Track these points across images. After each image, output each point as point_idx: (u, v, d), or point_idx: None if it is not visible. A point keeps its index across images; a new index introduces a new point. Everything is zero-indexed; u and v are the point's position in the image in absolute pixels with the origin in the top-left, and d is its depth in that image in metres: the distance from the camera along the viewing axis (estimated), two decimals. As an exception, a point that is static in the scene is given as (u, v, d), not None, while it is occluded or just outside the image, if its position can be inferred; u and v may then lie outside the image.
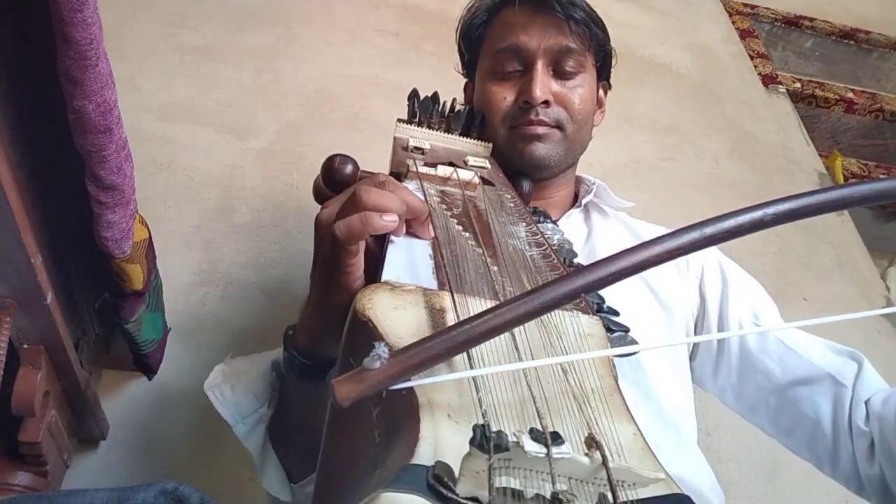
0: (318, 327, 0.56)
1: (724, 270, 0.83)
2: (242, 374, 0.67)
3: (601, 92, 0.86)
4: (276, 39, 1.47)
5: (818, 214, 0.36)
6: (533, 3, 0.77)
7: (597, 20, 0.80)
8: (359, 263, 0.50)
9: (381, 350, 0.32)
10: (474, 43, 0.84)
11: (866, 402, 0.70)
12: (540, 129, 0.76)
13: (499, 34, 0.80)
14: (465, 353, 0.39)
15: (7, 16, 0.54)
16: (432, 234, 0.53)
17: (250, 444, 0.65)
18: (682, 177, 1.55)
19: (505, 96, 0.78)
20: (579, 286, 0.33)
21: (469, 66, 0.88)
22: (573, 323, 0.47)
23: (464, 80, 0.92)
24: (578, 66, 0.78)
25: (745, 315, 0.79)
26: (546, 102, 0.76)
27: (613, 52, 0.85)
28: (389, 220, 0.48)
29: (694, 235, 0.34)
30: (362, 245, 0.50)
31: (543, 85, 0.75)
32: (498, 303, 0.45)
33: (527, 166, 0.77)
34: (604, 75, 0.85)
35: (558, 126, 0.77)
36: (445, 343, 0.33)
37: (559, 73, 0.78)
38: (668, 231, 0.90)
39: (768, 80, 1.92)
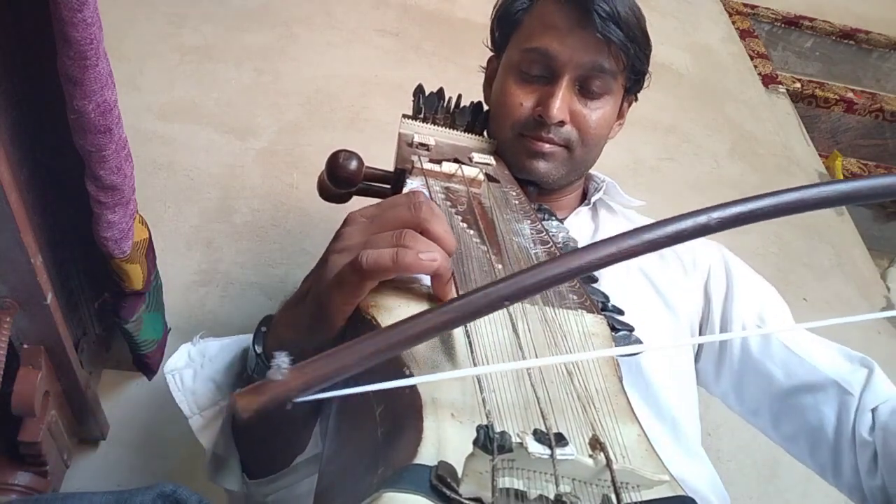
0: (293, 340, 0.51)
1: (729, 270, 0.81)
2: (208, 361, 0.62)
3: (625, 105, 0.83)
4: (276, 39, 1.47)
5: (769, 218, 0.34)
6: (576, 13, 0.72)
7: (639, 40, 0.75)
8: (356, 302, 0.45)
9: (280, 360, 0.31)
10: (510, 25, 0.80)
11: (873, 411, 0.67)
12: (546, 147, 0.74)
13: (534, 30, 0.75)
14: (469, 354, 0.39)
15: (7, 16, 0.54)
16: (455, 295, 0.45)
17: (204, 437, 0.61)
18: (682, 177, 1.55)
19: (522, 102, 0.74)
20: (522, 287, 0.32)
21: (498, 45, 0.83)
22: (578, 322, 0.47)
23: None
24: (605, 89, 0.75)
25: (749, 317, 0.77)
26: (561, 122, 0.73)
27: (649, 75, 0.81)
28: (428, 262, 0.43)
29: (632, 242, 0.34)
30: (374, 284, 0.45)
31: (563, 104, 0.72)
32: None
33: (526, 179, 0.75)
34: (633, 91, 0.82)
35: (566, 146, 0.75)
36: (354, 354, 0.32)
37: (583, 92, 0.74)
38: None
39: (768, 80, 1.92)
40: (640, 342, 0.49)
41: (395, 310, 0.43)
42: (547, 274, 0.32)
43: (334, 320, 0.46)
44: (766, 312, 0.78)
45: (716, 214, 0.34)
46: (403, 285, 0.45)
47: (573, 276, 0.33)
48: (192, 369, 0.61)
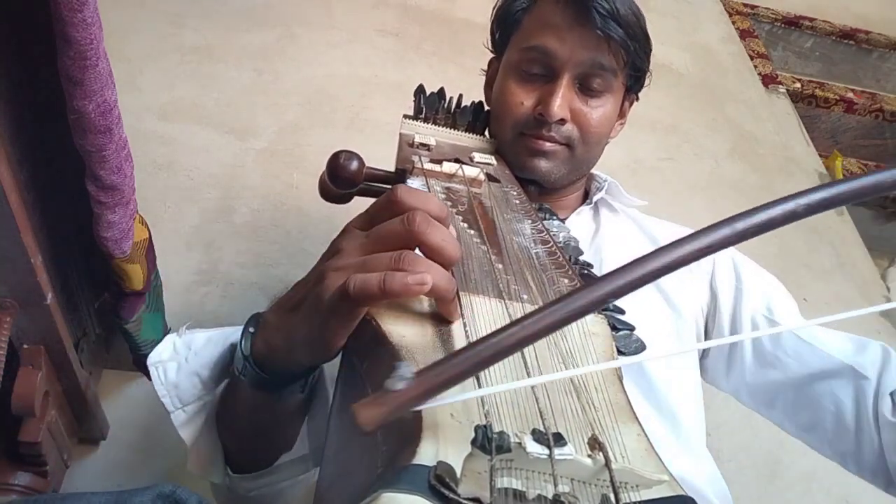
0: (285, 350, 0.49)
1: (736, 265, 0.81)
2: (193, 354, 0.59)
3: (626, 104, 0.83)
4: (276, 39, 1.47)
5: (852, 202, 0.33)
6: (575, 11, 0.72)
7: (639, 38, 0.75)
8: (354, 326, 0.43)
9: (404, 371, 0.30)
10: (509, 25, 0.80)
11: (892, 394, 0.67)
12: (547, 146, 0.74)
13: (533, 29, 0.76)
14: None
15: (7, 16, 0.54)
16: (459, 314, 0.44)
17: (185, 433, 0.59)
18: (682, 177, 1.55)
19: (522, 101, 0.74)
20: (607, 292, 0.30)
21: (499, 46, 0.83)
22: (577, 321, 0.46)
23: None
24: (605, 86, 0.75)
25: (759, 310, 0.77)
26: (562, 120, 0.73)
27: (649, 74, 0.81)
28: (416, 286, 0.39)
29: (725, 232, 0.31)
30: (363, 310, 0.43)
31: (563, 102, 0.72)
32: (502, 301, 0.45)
33: (527, 179, 0.75)
34: (634, 90, 0.82)
35: (568, 144, 0.75)
36: (472, 359, 0.30)
37: (584, 90, 0.74)
38: (684, 229, 0.88)
39: (768, 80, 1.92)
40: (641, 342, 0.49)
41: (394, 310, 0.43)
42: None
43: (332, 344, 0.44)
44: (775, 306, 0.78)
45: (803, 200, 0.31)
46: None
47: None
48: (176, 362, 0.59)
